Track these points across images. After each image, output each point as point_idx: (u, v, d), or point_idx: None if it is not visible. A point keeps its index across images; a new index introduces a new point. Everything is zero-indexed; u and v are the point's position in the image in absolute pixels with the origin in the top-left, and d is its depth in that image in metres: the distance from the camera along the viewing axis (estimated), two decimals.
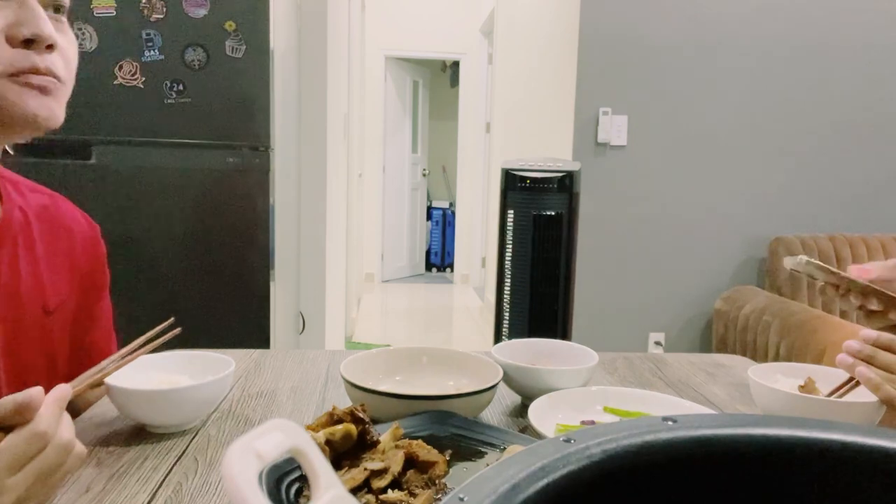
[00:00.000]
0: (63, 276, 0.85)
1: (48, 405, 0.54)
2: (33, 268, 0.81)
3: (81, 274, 0.89)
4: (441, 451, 0.62)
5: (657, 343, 2.95)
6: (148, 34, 2.08)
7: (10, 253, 0.78)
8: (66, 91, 0.74)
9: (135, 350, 0.70)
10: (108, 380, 0.73)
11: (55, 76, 0.70)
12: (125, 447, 0.73)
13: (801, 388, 0.83)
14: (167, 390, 0.76)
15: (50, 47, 0.69)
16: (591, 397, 0.85)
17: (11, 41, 0.67)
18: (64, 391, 0.57)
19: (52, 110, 0.70)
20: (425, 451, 0.61)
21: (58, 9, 0.73)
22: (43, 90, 0.68)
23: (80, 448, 0.57)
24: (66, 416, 0.57)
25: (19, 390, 0.54)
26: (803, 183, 2.90)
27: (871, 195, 2.92)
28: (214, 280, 2.20)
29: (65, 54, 0.72)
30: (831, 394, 0.82)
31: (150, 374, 0.81)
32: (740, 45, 2.83)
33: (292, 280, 2.74)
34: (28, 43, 0.67)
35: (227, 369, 0.81)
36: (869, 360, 0.76)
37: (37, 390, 0.54)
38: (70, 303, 0.86)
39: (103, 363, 0.68)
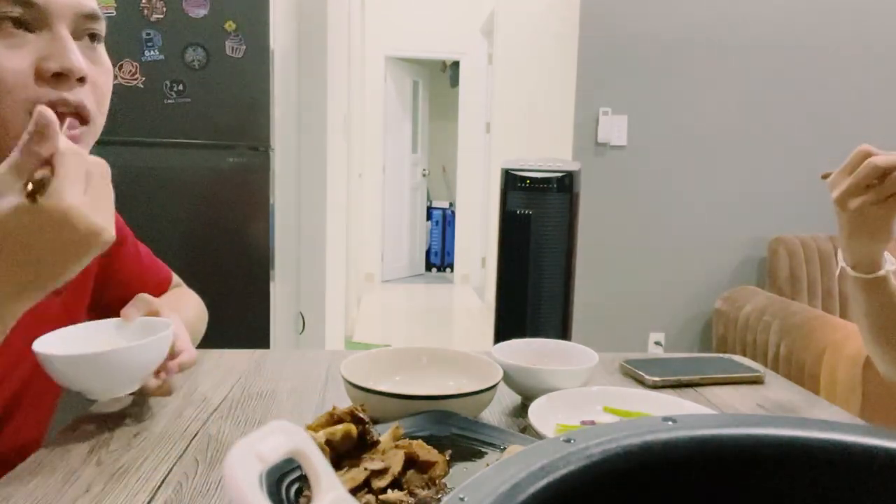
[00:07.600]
0: None
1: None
2: None
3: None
4: (441, 451, 0.62)
5: (657, 343, 2.95)
6: (148, 34, 2.08)
7: None
8: (94, 132, 0.71)
9: None
10: (35, 346, 0.69)
11: (84, 114, 0.67)
12: (125, 447, 0.73)
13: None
14: (91, 354, 0.70)
15: (81, 80, 0.66)
16: (591, 397, 0.85)
17: (40, 76, 0.64)
18: None
19: None
20: (425, 451, 0.61)
21: (93, 37, 0.70)
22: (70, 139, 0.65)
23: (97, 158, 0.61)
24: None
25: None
26: (803, 183, 2.90)
27: None
28: (214, 280, 2.19)
29: (97, 86, 0.69)
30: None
31: (94, 340, 0.76)
32: (740, 44, 2.83)
33: (292, 280, 2.74)
34: (57, 76, 0.64)
35: (165, 331, 0.75)
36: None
37: (48, 112, 0.54)
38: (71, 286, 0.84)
39: None
